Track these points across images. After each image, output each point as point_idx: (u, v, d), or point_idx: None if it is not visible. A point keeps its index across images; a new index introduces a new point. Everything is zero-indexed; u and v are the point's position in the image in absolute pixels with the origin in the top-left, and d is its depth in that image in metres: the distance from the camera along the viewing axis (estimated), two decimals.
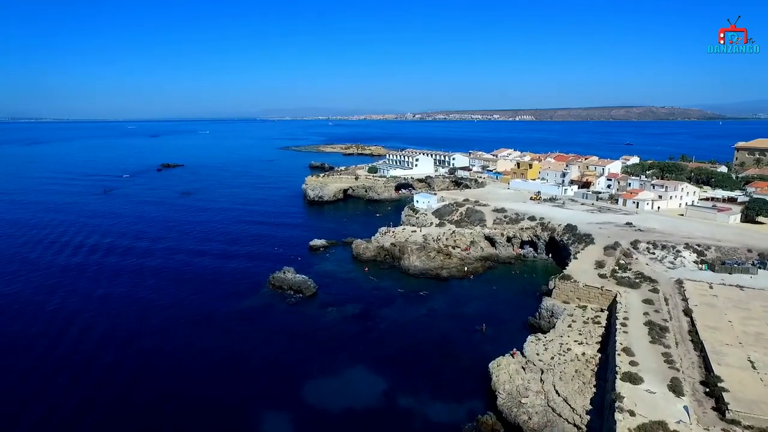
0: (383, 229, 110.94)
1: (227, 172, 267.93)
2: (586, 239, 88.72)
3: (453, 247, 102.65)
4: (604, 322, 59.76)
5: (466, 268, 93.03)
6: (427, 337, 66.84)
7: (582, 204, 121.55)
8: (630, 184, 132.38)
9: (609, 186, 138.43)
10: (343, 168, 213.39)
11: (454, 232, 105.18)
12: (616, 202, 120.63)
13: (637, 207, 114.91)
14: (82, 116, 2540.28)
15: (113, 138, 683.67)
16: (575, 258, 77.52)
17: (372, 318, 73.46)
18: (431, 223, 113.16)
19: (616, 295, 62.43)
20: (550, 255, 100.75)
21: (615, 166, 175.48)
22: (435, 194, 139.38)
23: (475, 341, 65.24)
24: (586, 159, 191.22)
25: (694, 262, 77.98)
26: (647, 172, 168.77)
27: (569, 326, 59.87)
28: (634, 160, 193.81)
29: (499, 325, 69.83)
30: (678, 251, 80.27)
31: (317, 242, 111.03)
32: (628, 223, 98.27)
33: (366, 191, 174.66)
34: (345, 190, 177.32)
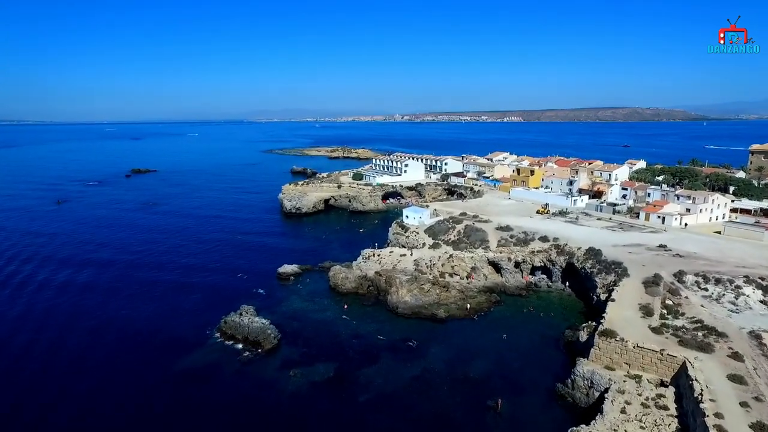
0: (367, 251, 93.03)
1: (202, 179, 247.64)
2: (617, 269, 71.66)
3: (451, 275, 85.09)
4: (672, 406, 42.49)
5: (467, 305, 75.30)
6: (421, 421, 48.89)
7: (598, 219, 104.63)
8: (649, 194, 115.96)
9: (624, 196, 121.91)
10: (325, 174, 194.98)
11: (451, 256, 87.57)
12: (637, 217, 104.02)
13: (663, 223, 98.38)
14: (66, 119, 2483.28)
15: (90, 141, 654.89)
16: (612, 300, 60.03)
17: (348, 384, 55.37)
18: (423, 244, 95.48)
19: (684, 363, 45.15)
20: (567, 284, 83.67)
21: (622, 172, 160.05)
22: (427, 206, 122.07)
23: (488, 427, 47.49)
24: (590, 163, 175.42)
25: (761, 302, 61.27)
26: (657, 179, 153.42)
27: (623, 411, 42.43)
28: (641, 164, 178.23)
29: (518, 396, 52.18)
30: (738, 287, 63.48)
31: (287, 269, 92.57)
32: (662, 246, 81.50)
33: (350, 201, 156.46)
34: (326, 200, 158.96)
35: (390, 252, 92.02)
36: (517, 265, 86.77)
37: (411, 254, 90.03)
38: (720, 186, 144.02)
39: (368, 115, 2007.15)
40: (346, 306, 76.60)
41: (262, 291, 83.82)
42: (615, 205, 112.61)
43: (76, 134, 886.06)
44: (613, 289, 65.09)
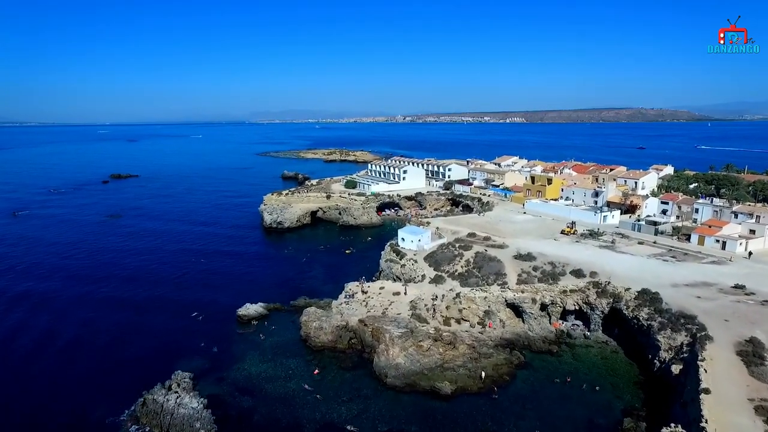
0: (351, 286, 73.55)
1: (185, 184, 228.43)
2: (688, 325, 51.89)
3: (458, 321, 65.49)
4: None
5: (482, 372, 55.45)
6: None
7: (639, 243, 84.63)
8: (697, 210, 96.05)
9: (665, 212, 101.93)
10: (315, 182, 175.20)
11: (458, 295, 67.79)
12: (687, 240, 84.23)
13: (724, 249, 78.54)
14: (70, 120, 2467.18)
15: (83, 143, 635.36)
16: (705, 391, 40.02)
17: None
18: (423, 276, 75.91)
19: None
20: (615, 332, 63.66)
21: (650, 179, 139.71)
22: (428, 223, 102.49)
23: None
24: (611, 170, 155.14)
25: None
26: (689, 187, 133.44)
27: None
28: (668, 170, 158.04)
29: None
30: None
31: (250, 309, 72.91)
32: (739, 287, 61.62)
33: (340, 214, 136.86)
34: (313, 212, 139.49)
35: (380, 288, 72.36)
36: (543, 307, 67.07)
37: (406, 291, 70.47)
38: (767, 196, 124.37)
39: (370, 116, 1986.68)
40: (317, 371, 56.85)
41: (212, 343, 64.19)
42: (656, 223, 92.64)
43: (72, 136, 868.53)
44: (693, 363, 45.24)
